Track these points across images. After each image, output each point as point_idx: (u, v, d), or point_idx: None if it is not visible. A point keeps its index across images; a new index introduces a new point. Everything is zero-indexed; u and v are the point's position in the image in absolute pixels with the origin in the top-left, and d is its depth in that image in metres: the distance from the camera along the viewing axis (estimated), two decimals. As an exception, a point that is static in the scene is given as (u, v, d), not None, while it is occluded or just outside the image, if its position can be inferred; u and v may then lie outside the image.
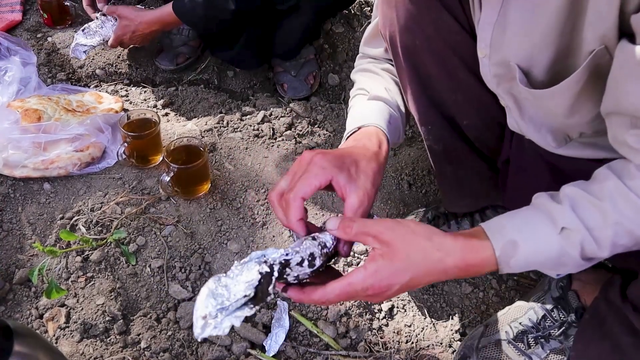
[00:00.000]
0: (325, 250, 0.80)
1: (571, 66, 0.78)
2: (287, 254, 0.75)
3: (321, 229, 0.84)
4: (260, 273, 0.71)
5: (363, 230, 0.78)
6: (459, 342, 1.24)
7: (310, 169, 0.83)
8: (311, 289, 0.78)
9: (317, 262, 0.78)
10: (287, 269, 0.75)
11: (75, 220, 1.40)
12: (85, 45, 1.79)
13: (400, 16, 0.99)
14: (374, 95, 1.05)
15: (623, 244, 0.77)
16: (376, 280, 0.76)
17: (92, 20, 1.84)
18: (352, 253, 0.88)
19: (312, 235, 0.81)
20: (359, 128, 0.98)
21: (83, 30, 1.80)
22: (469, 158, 1.18)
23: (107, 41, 1.81)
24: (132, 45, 1.89)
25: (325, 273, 0.83)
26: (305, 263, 0.77)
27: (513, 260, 0.78)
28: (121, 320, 1.23)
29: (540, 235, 0.77)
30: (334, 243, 0.82)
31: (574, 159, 0.93)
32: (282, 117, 1.72)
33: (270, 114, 1.73)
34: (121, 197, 1.45)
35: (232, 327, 0.69)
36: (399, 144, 1.11)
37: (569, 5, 0.73)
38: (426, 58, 1.02)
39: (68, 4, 2.07)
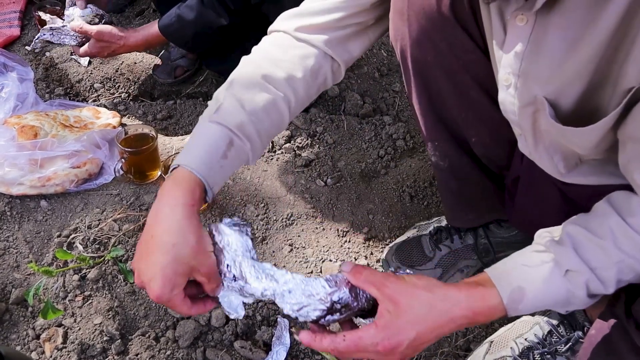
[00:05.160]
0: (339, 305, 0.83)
1: (600, 98, 0.75)
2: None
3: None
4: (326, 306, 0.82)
5: (370, 279, 0.80)
6: (464, 359, 1.21)
7: (170, 304, 0.82)
8: (322, 335, 0.80)
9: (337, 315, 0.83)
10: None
11: (73, 238, 1.39)
12: (50, 42, 1.80)
13: (413, 30, 0.96)
14: (218, 119, 0.89)
15: (628, 280, 0.79)
16: (385, 336, 0.77)
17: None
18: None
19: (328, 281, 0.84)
20: (179, 166, 0.86)
21: (51, 28, 1.69)
22: (475, 175, 1.16)
23: (70, 44, 1.74)
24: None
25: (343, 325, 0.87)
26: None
27: (521, 306, 0.79)
28: (119, 340, 1.21)
29: (546, 279, 0.78)
30: (351, 296, 0.83)
31: (582, 186, 0.91)
32: (281, 129, 1.70)
33: (270, 127, 1.71)
34: (119, 214, 1.44)
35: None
36: (222, 184, 0.95)
37: (612, 39, 0.69)
38: (437, 74, 1.00)
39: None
